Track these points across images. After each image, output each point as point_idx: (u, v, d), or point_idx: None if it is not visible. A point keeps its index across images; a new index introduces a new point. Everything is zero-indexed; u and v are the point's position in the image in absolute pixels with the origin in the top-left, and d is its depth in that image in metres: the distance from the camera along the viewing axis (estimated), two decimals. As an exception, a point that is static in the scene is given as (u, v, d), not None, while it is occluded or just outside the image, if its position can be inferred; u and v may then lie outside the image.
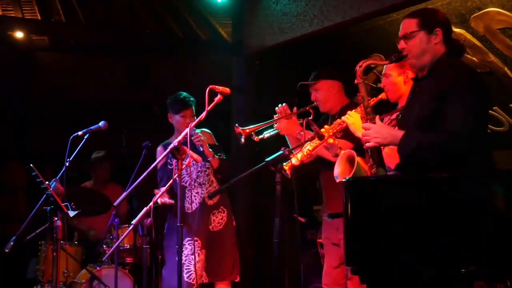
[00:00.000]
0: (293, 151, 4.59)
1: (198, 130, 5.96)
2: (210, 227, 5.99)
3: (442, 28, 3.78)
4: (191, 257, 5.85)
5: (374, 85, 4.46)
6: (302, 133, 5.09)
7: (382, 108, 4.73)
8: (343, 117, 4.70)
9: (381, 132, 3.74)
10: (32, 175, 5.34)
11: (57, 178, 5.61)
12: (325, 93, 5.41)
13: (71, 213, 5.37)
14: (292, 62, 7.66)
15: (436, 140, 3.52)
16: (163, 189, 5.14)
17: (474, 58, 5.76)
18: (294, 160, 4.67)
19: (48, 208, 5.30)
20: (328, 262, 5.42)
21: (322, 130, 4.82)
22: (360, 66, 3.98)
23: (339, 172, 4.33)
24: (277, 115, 5.29)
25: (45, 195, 5.34)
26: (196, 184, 6.03)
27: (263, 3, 8.06)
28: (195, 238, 5.89)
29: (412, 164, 3.64)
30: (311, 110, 5.39)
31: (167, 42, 9.22)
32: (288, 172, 4.55)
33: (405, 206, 3.26)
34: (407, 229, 3.21)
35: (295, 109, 5.30)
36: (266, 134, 5.27)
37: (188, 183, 6.00)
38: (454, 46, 3.85)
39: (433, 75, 3.77)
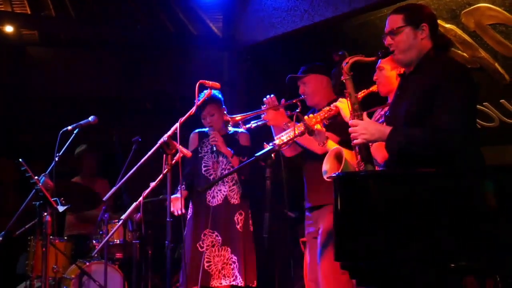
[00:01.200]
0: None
1: (235, 130, 6.05)
2: (238, 226, 6.00)
3: (428, 23, 3.78)
4: (212, 248, 5.87)
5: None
6: (289, 124, 5.07)
7: (373, 101, 4.75)
8: (334, 103, 4.73)
9: (368, 129, 3.73)
10: (21, 169, 5.31)
11: (47, 173, 5.60)
12: (313, 87, 5.39)
13: (60, 208, 5.35)
14: (283, 57, 7.65)
15: (425, 135, 3.53)
16: (152, 184, 5.11)
17: (464, 54, 5.76)
18: (278, 142, 4.69)
19: (37, 203, 5.28)
20: (311, 258, 5.39)
21: (310, 116, 4.83)
22: (346, 63, 3.97)
23: (327, 169, 4.32)
24: (264, 105, 5.28)
25: (34, 190, 5.33)
26: (220, 180, 6.05)
27: (254, -3, 8.05)
28: (216, 233, 5.91)
29: (400, 160, 3.64)
30: (298, 103, 5.36)
31: (158, 37, 9.20)
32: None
33: (396, 201, 3.26)
34: (397, 225, 3.21)
35: (282, 100, 5.29)
36: (253, 123, 5.26)
37: (212, 177, 6.03)
38: (440, 41, 3.86)
39: (420, 70, 3.77)
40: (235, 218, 6.01)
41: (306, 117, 4.86)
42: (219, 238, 5.95)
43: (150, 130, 6.29)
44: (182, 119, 4.98)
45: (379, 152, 3.96)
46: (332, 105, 4.82)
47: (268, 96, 5.30)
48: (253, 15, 8.06)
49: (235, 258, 5.91)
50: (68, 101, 9.36)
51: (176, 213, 5.77)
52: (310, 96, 5.40)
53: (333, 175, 3.62)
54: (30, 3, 8.96)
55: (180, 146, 5.24)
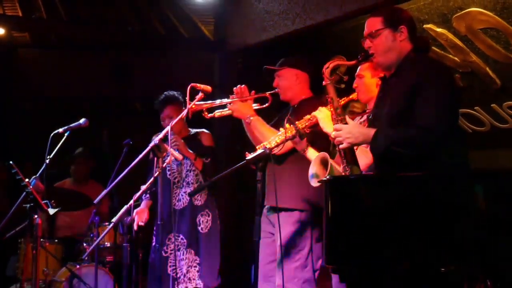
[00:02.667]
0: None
1: (196, 131, 6.03)
2: (199, 228, 5.98)
3: (407, 25, 3.78)
4: (177, 253, 5.86)
5: (337, 86, 4.43)
6: (251, 118, 5.02)
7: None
8: (313, 112, 4.67)
9: (352, 132, 3.72)
10: (12, 172, 5.30)
11: (37, 175, 5.59)
12: (287, 81, 5.24)
13: (51, 211, 5.34)
14: (275, 60, 7.62)
15: (409, 135, 3.53)
16: (143, 187, 5.12)
17: (456, 58, 5.78)
18: (268, 145, 4.66)
19: (28, 205, 5.27)
20: (264, 257, 5.19)
21: (287, 126, 4.77)
22: (327, 67, 3.94)
23: (314, 174, 4.32)
24: (233, 95, 5.16)
25: (24, 193, 5.31)
26: (184, 183, 6.03)
27: (246, 1, 8.03)
28: (181, 236, 5.90)
29: (385, 161, 3.64)
30: (269, 96, 5.24)
31: (150, 39, 9.19)
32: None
33: (387, 205, 3.26)
34: (388, 229, 3.21)
35: (253, 92, 5.18)
36: (217, 113, 5.17)
37: (177, 180, 6.00)
38: (420, 42, 3.85)
39: (401, 72, 3.76)
40: (197, 219, 5.99)
41: (287, 125, 4.79)
42: (184, 241, 5.94)
43: (141, 132, 6.30)
44: (173, 122, 4.97)
45: (360, 160, 3.96)
46: (311, 114, 4.75)
47: (238, 86, 5.17)
48: (244, 18, 8.06)
49: (199, 260, 5.90)
50: (59, 102, 9.35)
51: (140, 224, 5.79)
52: (283, 90, 5.24)
53: (324, 179, 3.63)
54: (21, 5, 8.95)
55: (172, 149, 5.25)
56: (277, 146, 4.52)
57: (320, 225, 4.93)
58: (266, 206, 5.26)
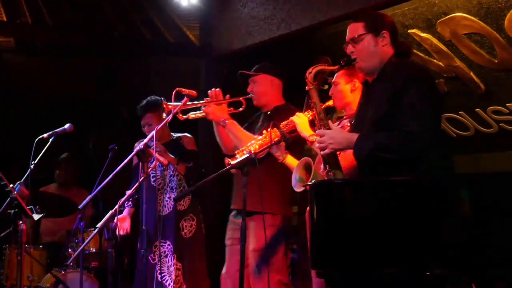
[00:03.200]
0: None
1: (178, 135, 6.02)
2: (183, 233, 5.96)
3: (389, 30, 3.81)
4: (164, 259, 5.84)
5: (322, 87, 4.47)
6: (226, 121, 5.05)
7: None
8: (291, 117, 4.72)
9: (335, 138, 3.74)
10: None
11: (22, 181, 5.56)
12: (262, 87, 5.31)
13: (36, 217, 5.32)
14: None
15: (392, 139, 3.54)
16: (128, 192, 5.10)
17: (440, 63, 5.81)
18: (239, 156, 4.67)
19: (13, 211, 5.24)
20: (230, 264, 5.30)
21: (264, 132, 4.81)
22: (310, 72, 3.96)
23: (297, 178, 4.32)
24: (208, 98, 5.19)
25: (9, 198, 5.28)
26: (168, 188, 6.01)
27: (231, 6, 8.04)
28: (168, 242, 5.88)
29: (368, 166, 3.65)
30: (243, 101, 5.28)
31: (135, 44, 9.17)
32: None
33: (371, 209, 3.27)
34: (373, 233, 3.22)
35: (227, 96, 5.21)
36: (192, 114, 5.19)
37: (161, 185, 5.98)
38: (402, 47, 3.89)
39: (384, 77, 3.78)
40: (180, 224, 5.97)
41: (264, 131, 4.82)
42: (171, 246, 5.92)
43: (126, 137, 6.28)
44: (158, 127, 4.96)
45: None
46: (289, 119, 4.78)
47: (213, 89, 5.21)
48: (230, 23, 8.06)
49: (180, 265, 5.89)
50: (44, 108, 9.31)
51: (122, 233, 5.77)
52: (258, 96, 5.31)
53: (309, 183, 3.63)
54: (6, 10, 8.90)
55: (157, 154, 5.23)
56: (262, 150, 4.52)
57: (291, 229, 4.98)
58: (233, 211, 5.33)
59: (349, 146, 3.68)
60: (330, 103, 4.75)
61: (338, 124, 4.70)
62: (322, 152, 3.80)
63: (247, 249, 5.07)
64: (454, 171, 3.72)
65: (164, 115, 5.07)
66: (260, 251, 4.98)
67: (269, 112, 5.29)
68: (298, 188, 4.33)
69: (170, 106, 5.03)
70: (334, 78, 4.71)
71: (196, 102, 5.11)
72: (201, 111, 5.17)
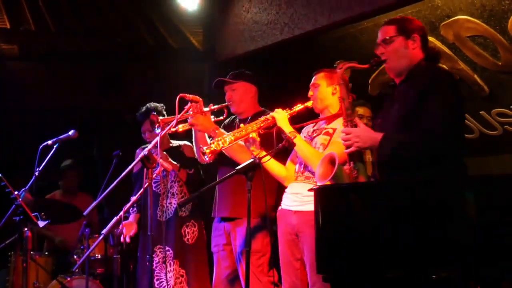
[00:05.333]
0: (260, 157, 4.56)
1: (178, 143, 6.02)
2: (185, 239, 5.95)
3: (420, 35, 3.91)
4: (162, 265, 5.83)
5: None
6: (217, 131, 5.06)
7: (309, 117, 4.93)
8: (271, 113, 4.80)
9: (361, 136, 3.81)
10: (1, 185, 5.28)
11: (27, 188, 5.56)
12: (241, 94, 5.41)
13: (41, 223, 5.32)
14: (263, 70, 7.65)
15: (415, 139, 3.62)
16: (133, 198, 5.10)
17: (444, 66, 5.79)
18: (214, 145, 4.69)
19: (18, 218, 5.25)
20: (219, 272, 5.38)
21: (242, 125, 4.88)
22: (340, 68, 4.07)
23: (321, 173, 4.31)
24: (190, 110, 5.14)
25: (14, 205, 5.29)
26: (169, 194, 6.01)
27: (234, 11, 8.05)
28: (167, 248, 5.87)
29: (391, 165, 3.68)
30: (225, 109, 5.39)
31: (139, 50, 9.19)
32: (208, 156, 4.66)
33: (376, 213, 3.27)
34: (379, 236, 3.22)
35: (210, 105, 5.24)
36: (180, 127, 5.24)
37: (162, 191, 5.98)
38: (431, 53, 3.98)
39: (411, 79, 3.86)
40: (182, 230, 5.97)
41: (242, 125, 4.87)
42: (171, 252, 5.92)
43: (129, 143, 6.28)
44: (162, 133, 4.96)
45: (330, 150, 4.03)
46: (269, 115, 4.81)
47: (193, 102, 5.12)
48: (233, 28, 8.07)
49: (183, 271, 5.88)
50: (48, 114, 9.31)
51: (127, 240, 5.77)
52: (237, 103, 5.40)
53: (314, 187, 3.64)
54: (9, 17, 8.92)
55: (161, 160, 5.24)
56: (266, 154, 4.52)
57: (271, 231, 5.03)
58: (216, 218, 5.41)
59: (374, 145, 3.76)
60: (309, 104, 4.85)
61: (314, 126, 4.78)
62: (347, 150, 3.87)
63: (236, 253, 5.17)
64: (467, 173, 3.74)
65: (155, 128, 5.09)
66: (248, 254, 4.97)
67: (249, 118, 5.35)
68: (322, 182, 4.32)
69: (165, 121, 5.10)
70: (313, 80, 4.84)
71: (183, 114, 5.03)
72: (188, 123, 5.18)
